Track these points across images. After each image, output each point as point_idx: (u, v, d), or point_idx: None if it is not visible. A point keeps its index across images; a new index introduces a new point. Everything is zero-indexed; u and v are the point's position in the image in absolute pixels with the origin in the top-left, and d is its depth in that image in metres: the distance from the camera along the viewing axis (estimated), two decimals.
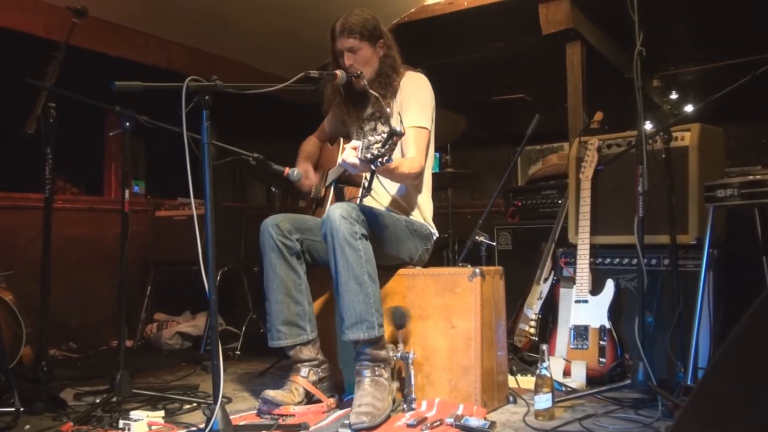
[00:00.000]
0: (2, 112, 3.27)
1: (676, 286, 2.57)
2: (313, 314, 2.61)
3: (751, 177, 2.44)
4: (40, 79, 2.74)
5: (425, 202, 2.75)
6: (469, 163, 5.76)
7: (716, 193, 2.48)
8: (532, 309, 3.36)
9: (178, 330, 4.17)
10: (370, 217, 2.41)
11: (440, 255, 4.03)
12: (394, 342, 2.46)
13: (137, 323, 4.21)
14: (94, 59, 3.90)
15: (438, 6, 4.39)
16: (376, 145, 2.06)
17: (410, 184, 2.67)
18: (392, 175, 2.46)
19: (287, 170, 2.67)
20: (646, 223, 2.53)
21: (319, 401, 2.50)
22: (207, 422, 1.96)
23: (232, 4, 4.06)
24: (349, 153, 2.16)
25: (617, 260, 3.00)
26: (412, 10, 4.46)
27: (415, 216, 2.72)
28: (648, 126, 2.74)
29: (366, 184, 2.25)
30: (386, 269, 2.57)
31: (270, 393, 2.41)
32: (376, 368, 2.35)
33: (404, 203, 2.71)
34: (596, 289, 2.93)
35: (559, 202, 3.66)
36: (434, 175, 2.85)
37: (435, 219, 2.78)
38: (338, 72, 2.55)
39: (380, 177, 2.59)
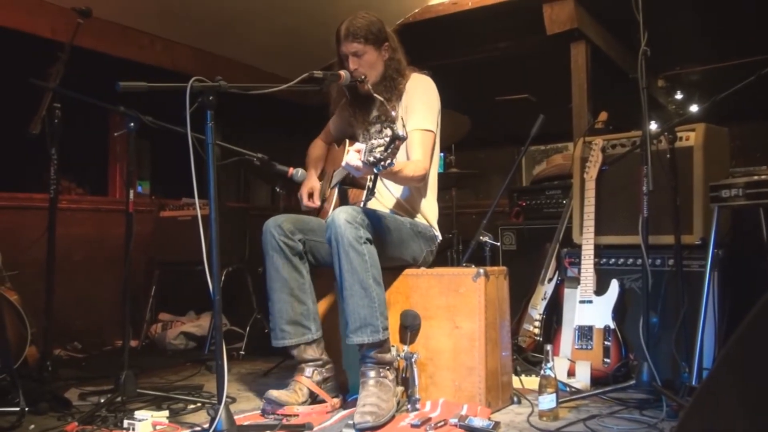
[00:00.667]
0: (7, 113, 3.28)
1: (681, 287, 2.56)
2: (318, 314, 2.60)
3: (756, 177, 2.44)
4: (44, 80, 2.75)
5: (430, 205, 2.74)
6: (474, 163, 5.73)
7: (721, 193, 2.48)
8: (537, 309, 3.36)
9: (182, 330, 4.18)
10: (374, 220, 2.40)
11: (444, 255, 4.03)
12: (402, 342, 2.46)
13: (142, 323, 4.21)
14: (99, 60, 3.91)
15: (442, 6, 4.38)
16: (379, 149, 2.05)
17: (415, 186, 2.65)
18: (396, 177, 2.45)
19: (291, 170, 2.68)
20: (650, 223, 2.53)
21: (323, 401, 2.50)
22: (211, 422, 1.97)
23: (237, 6, 4.06)
24: (353, 156, 2.15)
25: (622, 260, 2.99)
26: (416, 11, 4.45)
27: (419, 219, 2.70)
28: (653, 126, 2.73)
29: (370, 187, 2.25)
30: (390, 270, 2.56)
31: (274, 393, 2.41)
32: (380, 370, 2.35)
33: (408, 206, 2.69)
34: (601, 289, 2.93)
35: (564, 202, 3.65)
36: (438, 175, 2.83)
37: (439, 219, 2.77)
38: (342, 72, 2.54)
39: (384, 180, 2.58)
